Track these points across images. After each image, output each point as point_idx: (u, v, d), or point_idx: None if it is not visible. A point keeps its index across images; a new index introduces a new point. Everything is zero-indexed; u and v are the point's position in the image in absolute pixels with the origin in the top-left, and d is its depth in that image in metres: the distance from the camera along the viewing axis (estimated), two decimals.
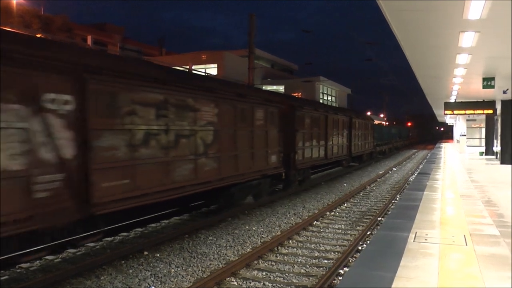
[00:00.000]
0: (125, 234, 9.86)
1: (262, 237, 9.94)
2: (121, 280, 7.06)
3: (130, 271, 7.49)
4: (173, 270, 7.57)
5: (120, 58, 9.90)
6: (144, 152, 8.34)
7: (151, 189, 8.48)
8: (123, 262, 7.93)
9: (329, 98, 49.54)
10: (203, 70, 30.14)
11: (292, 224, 11.28)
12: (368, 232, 10.18)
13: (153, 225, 10.77)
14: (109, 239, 9.47)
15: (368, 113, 51.17)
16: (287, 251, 8.94)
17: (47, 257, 8.13)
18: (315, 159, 18.42)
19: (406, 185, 18.56)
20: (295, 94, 36.18)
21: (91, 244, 8.99)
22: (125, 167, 7.88)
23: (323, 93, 47.32)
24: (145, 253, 8.47)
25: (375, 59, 35.22)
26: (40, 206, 6.34)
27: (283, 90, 42.35)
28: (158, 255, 8.40)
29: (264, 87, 38.02)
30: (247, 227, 10.82)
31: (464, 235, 7.03)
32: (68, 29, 32.57)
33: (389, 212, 11.65)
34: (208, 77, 14.99)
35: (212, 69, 35.99)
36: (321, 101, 42.59)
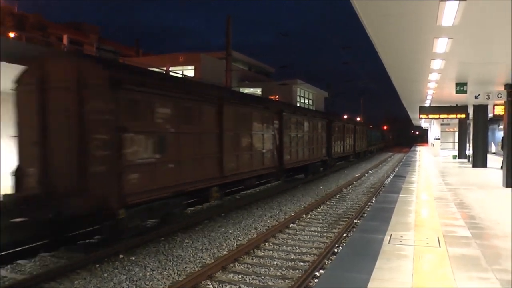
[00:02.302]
0: (100, 237, 9.70)
1: (239, 239, 9.92)
2: (96, 284, 6.94)
3: (105, 274, 7.38)
4: (148, 273, 7.49)
5: (288, 104, 24.52)
6: (293, 144, 18.91)
7: (295, 160, 19.27)
8: (98, 265, 7.81)
9: (306, 101, 49.71)
10: (180, 72, 29.92)
11: (268, 226, 11.30)
12: (344, 235, 10.27)
13: None
14: (83, 242, 9.30)
15: (345, 116, 51.85)
16: (263, 253, 8.95)
17: (18, 261, 7.94)
18: (339, 152, 29.74)
19: (382, 187, 18.82)
20: (272, 97, 36.25)
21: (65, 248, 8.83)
22: (290, 151, 18.46)
23: (300, 96, 47.47)
24: (121, 256, 8.36)
25: (351, 63, 35.87)
26: (265, 164, 15.79)
27: (260, 93, 42.31)
28: (133, 258, 8.30)
29: (241, 90, 37.95)
30: (223, 229, 10.79)
31: (438, 237, 7.17)
32: (41, 27, 31.84)
33: (365, 214, 11.79)
34: (304, 108, 29.29)
35: (189, 71, 35.64)
36: (298, 104, 42.80)
